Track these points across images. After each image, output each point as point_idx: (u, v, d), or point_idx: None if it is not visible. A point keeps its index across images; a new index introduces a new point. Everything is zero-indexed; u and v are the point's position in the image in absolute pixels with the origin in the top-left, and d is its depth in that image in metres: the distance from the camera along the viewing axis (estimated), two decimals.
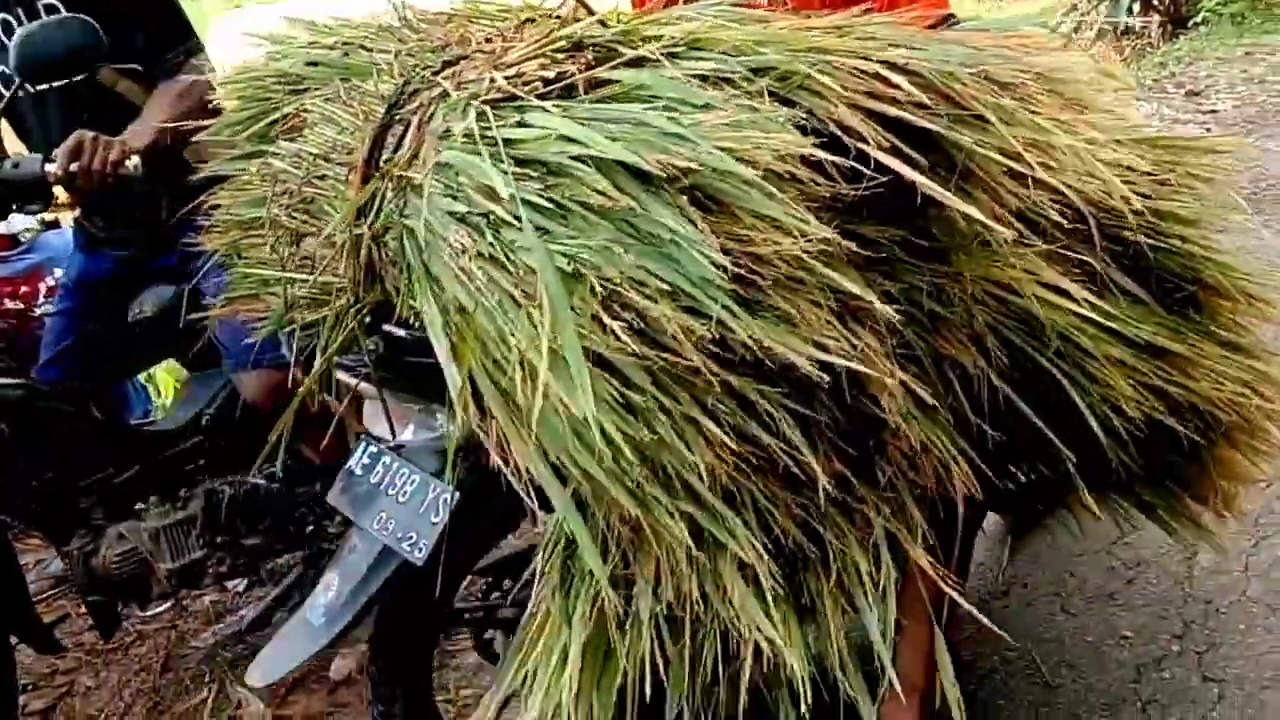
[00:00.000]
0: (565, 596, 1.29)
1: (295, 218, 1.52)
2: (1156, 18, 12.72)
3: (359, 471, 1.67)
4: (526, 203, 1.11)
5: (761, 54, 1.20)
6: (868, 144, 1.11)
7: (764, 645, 1.18)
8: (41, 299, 3.12)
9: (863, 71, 1.16)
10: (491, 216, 1.17)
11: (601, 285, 1.06)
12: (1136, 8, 12.72)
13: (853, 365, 1.07)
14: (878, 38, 1.25)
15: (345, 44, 1.62)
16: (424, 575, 1.54)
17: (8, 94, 1.94)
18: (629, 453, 1.07)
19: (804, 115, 1.13)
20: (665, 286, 1.05)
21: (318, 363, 1.51)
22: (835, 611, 1.24)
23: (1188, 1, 11.61)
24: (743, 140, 1.06)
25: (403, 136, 1.35)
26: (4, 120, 2.27)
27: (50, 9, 2.03)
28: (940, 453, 1.27)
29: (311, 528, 2.48)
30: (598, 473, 1.12)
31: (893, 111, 1.14)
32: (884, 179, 1.13)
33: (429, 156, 1.27)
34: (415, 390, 1.57)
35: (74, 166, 1.81)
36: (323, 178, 1.47)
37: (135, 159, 1.87)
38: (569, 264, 1.08)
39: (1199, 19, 10.65)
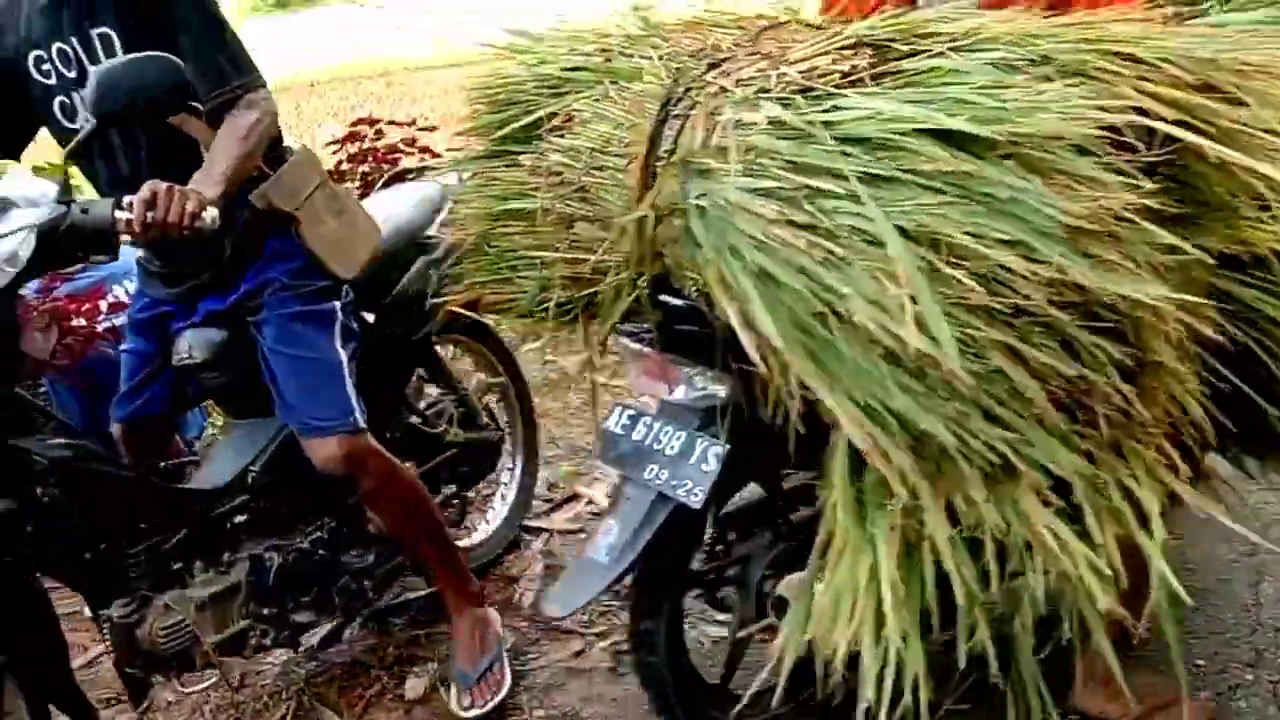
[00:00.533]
0: (861, 526, 1.46)
1: (570, 205, 1.72)
2: None
3: (619, 431, 1.89)
4: (864, 174, 1.32)
5: (1037, 45, 1.41)
6: (1157, 120, 1.32)
7: (1068, 565, 1.37)
8: (104, 314, 3.14)
9: (1135, 59, 1.37)
10: (806, 189, 1.35)
11: (934, 240, 1.26)
12: None
13: (1176, 299, 1.29)
14: (1131, 32, 1.44)
15: (604, 51, 1.82)
16: (690, 519, 1.81)
17: (81, 132, 1.81)
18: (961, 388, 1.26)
19: (1093, 96, 1.33)
20: (1004, 238, 1.24)
21: (602, 330, 1.77)
22: (1110, 536, 1.41)
23: None
24: (1062, 112, 1.27)
25: (681, 128, 1.53)
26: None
27: (104, 38, 1.96)
28: (1190, 397, 1.46)
29: (356, 597, 2.39)
30: (916, 410, 1.32)
31: (1170, 94, 1.34)
32: (1171, 148, 1.33)
33: (726, 142, 1.45)
34: (685, 353, 1.79)
35: (149, 217, 1.70)
36: (600, 168, 1.67)
37: (213, 211, 1.77)
38: (909, 223, 1.27)
39: None
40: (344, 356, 2.16)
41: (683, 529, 1.85)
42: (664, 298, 1.67)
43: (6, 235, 1.67)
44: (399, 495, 2.29)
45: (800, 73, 1.48)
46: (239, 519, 2.21)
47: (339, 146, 4.53)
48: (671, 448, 1.80)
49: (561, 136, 1.75)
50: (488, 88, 1.95)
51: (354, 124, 4.53)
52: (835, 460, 1.51)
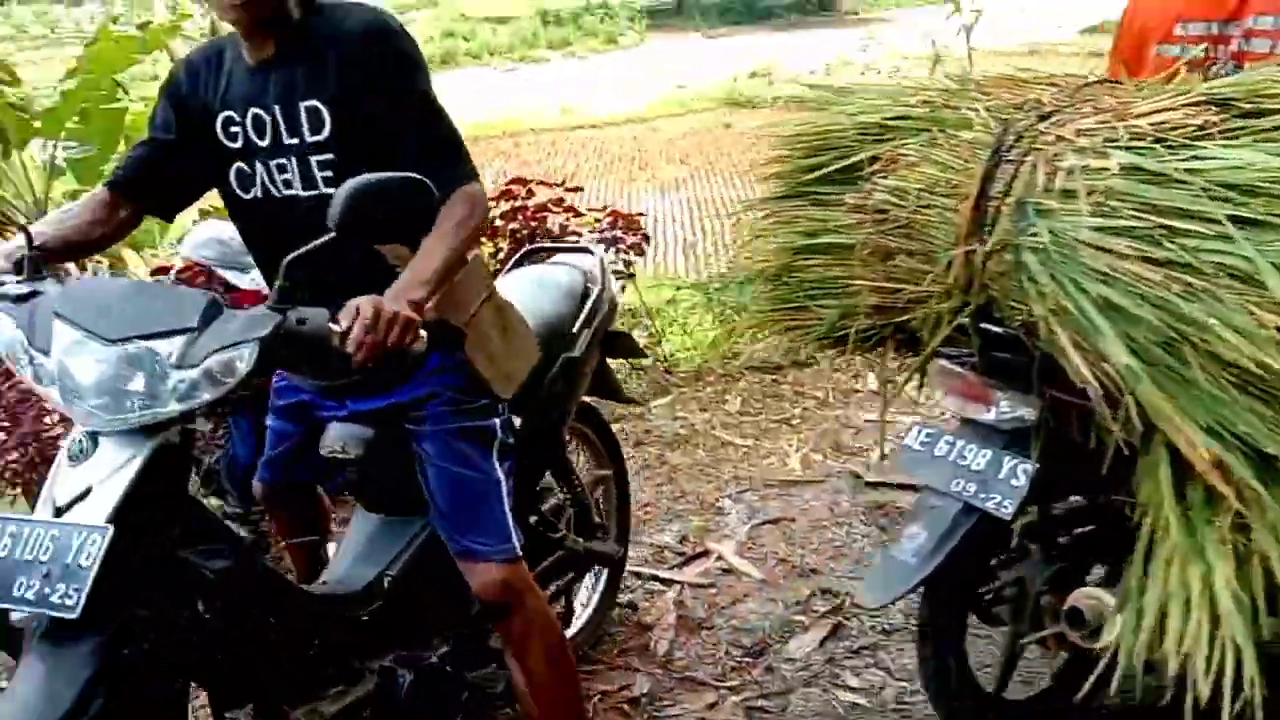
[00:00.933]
0: (1191, 537, 1.59)
1: (892, 240, 1.91)
2: None
3: (919, 448, 2.12)
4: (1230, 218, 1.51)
5: None
6: None
7: None
8: None
9: None
10: (1163, 229, 1.55)
11: None
12: None
13: None
14: None
15: (926, 102, 2.00)
16: (991, 532, 2.03)
17: (314, 242, 1.62)
18: None
19: None
20: None
21: (925, 353, 1.98)
22: None
23: None
24: None
25: (1015, 173, 1.74)
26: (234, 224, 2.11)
27: (313, 113, 1.85)
28: None
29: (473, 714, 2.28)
30: (1264, 434, 1.49)
31: None
32: None
33: (1074, 185, 1.64)
34: (1000, 377, 1.99)
35: (368, 339, 1.57)
36: (928, 207, 1.85)
37: (424, 335, 1.67)
38: None
39: None
40: (503, 475, 2.08)
41: (984, 541, 2.06)
42: (985, 326, 1.85)
43: (231, 348, 1.58)
44: (545, 647, 2.13)
45: (1151, 125, 1.65)
46: (371, 626, 2.09)
47: (493, 204, 4.43)
48: (977, 464, 1.99)
49: (885, 178, 1.93)
50: (800, 135, 2.16)
51: (509, 183, 4.53)
52: (1159, 478, 1.64)
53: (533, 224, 4.39)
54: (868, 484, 3.73)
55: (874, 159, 1.96)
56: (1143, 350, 1.53)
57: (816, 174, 2.08)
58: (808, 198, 2.13)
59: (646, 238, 4.84)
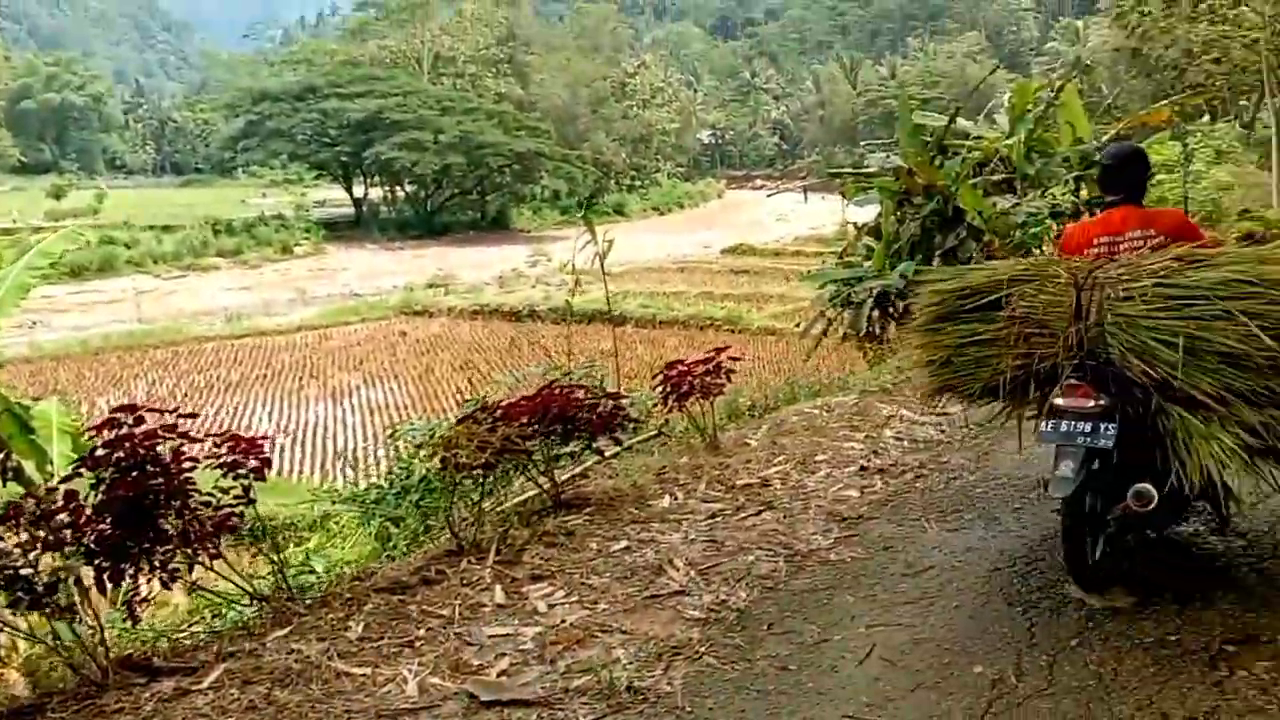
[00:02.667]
0: (1204, 434, 3.98)
1: (1028, 328, 4.31)
2: (893, 325, 14.62)
3: (1048, 429, 4.14)
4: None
5: None
6: None
7: None
8: None
9: None
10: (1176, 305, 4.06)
11: None
12: (876, 314, 14.60)
13: None
14: None
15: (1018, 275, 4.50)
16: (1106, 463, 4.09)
17: None
18: None
19: None
20: None
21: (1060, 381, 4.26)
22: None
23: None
24: None
25: (1090, 302, 4.17)
26: None
27: None
28: None
29: None
30: None
31: None
32: None
33: (1133, 291, 4.09)
34: (1095, 385, 4.12)
35: None
36: (1041, 313, 4.28)
37: None
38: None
39: None
40: None
41: (1104, 470, 4.08)
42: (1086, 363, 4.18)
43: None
44: None
45: (1145, 265, 4.19)
46: None
47: (95, 433, 4.22)
48: (1086, 428, 4.02)
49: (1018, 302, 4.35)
50: (945, 291, 4.63)
51: (113, 411, 4.23)
52: (1181, 414, 3.97)
53: (140, 452, 4.17)
54: (484, 703, 3.70)
55: (1007, 296, 4.37)
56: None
57: (961, 302, 4.54)
58: (953, 320, 4.56)
59: (268, 462, 4.69)
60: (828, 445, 6.86)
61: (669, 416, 7.32)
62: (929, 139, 15.08)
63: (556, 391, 5.95)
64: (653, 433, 7.55)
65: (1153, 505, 3.96)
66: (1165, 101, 20.66)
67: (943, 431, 7.12)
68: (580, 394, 6.17)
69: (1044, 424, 4.13)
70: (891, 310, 14.52)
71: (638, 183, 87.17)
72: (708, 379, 6.68)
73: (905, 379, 8.97)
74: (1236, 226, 18.53)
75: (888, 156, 16.11)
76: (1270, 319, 3.78)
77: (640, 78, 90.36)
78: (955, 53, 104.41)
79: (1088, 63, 55.56)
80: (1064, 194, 16.41)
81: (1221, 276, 3.94)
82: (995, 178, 15.42)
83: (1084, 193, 16.01)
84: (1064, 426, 4.03)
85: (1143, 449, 4.07)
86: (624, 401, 6.80)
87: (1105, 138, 16.77)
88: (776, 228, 58.88)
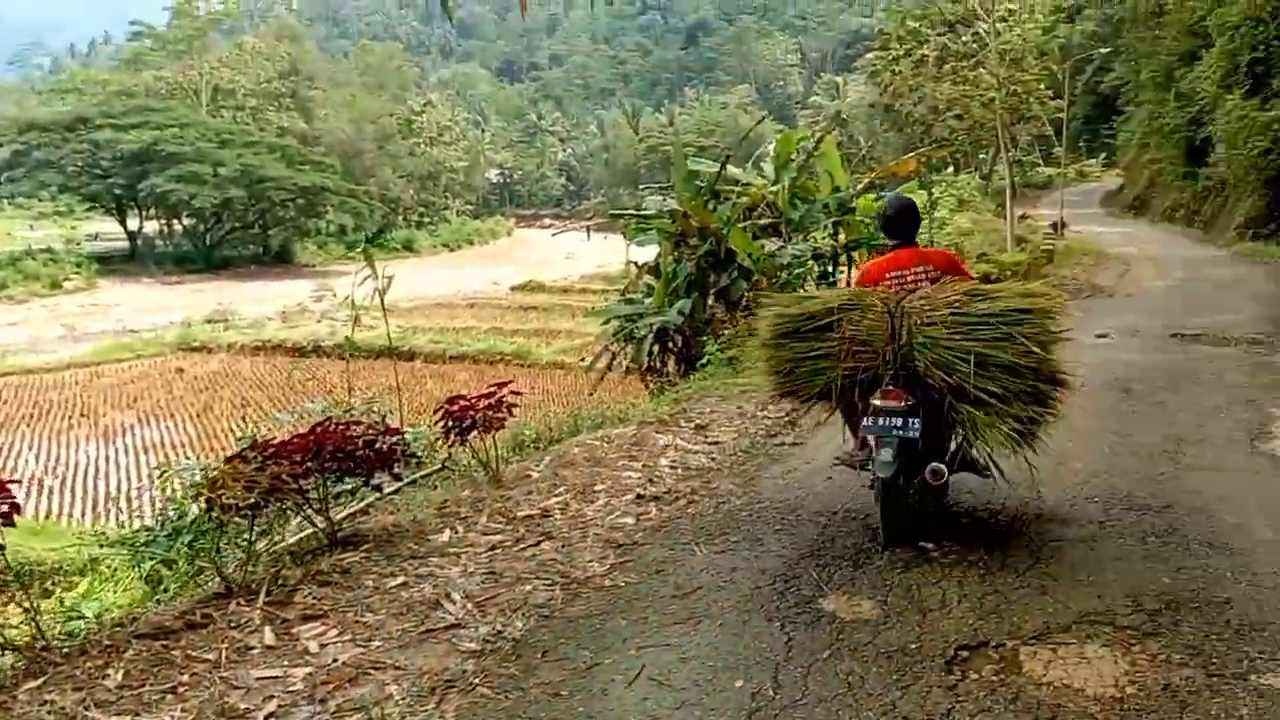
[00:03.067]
0: (987, 420, 5.20)
1: (855, 347, 5.37)
2: (673, 359, 14.99)
3: (868, 422, 5.17)
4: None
5: None
6: None
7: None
8: None
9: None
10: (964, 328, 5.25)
11: None
12: (656, 349, 14.92)
13: None
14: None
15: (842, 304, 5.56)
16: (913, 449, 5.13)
17: None
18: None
19: None
20: None
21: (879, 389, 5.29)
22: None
23: (697, 345, 13.80)
24: None
25: (903, 317, 5.26)
26: None
27: None
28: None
29: None
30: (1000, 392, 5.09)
31: None
32: None
33: (933, 317, 5.21)
34: (905, 388, 5.19)
35: None
36: (865, 334, 5.34)
37: None
38: None
39: (705, 361, 12.69)
40: None
41: (911, 455, 5.06)
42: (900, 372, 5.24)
43: None
44: None
45: (941, 298, 5.29)
46: None
47: None
48: (898, 422, 5.04)
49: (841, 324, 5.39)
50: (788, 315, 5.63)
51: None
52: (970, 408, 5.09)
53: None
54: None
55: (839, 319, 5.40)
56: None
57: (795, 325, 5.59)
58: (793, 338, 5.56)
59: (16, 506, 4.34)
60: (607, 475, 6.96)
61: (452, 451, 7.24)
62: (703, 184, 15.60)
63: (332, 428, 5.78)
64: (436, 467, 7.45)
65: (944, 480, 5.10)
66: (913, 154, 22.15)
67: (714, 460, 7.35)
68: (358, 430, 6.02)
69: (867, 420, 5.17)
70: (671, 345, 14.88)
71: (427, 219, 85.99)
72: (490, 413, 6.65)
73: (681, 410, 9.24)
74: (975, 268, 20.02)
75: (665, 200, 16.55)
76: (1033, 332, 5.07)
77: (427, 116, 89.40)
78: (728, 103, 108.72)
79: (844, 117, 58.99)
80: (824, 238, 17.34)
81: (1001, 307, 5.11)
82: (763, 222, 16.10)
83: (842, 236, 16.97)
84: (882, 421, 5.09)
85: (934, 438, 5.23)
86: (406, 436, 6.69)
87: (860, 186, 17.85)
88: (565, 265, 59.35)
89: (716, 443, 7.86)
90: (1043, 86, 42.97)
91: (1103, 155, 65.38)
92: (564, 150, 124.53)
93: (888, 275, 5.72)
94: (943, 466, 5.09)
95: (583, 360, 23.74)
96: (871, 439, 5.23)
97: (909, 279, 5.63)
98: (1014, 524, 5.68)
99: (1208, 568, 4.96)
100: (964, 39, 37.72)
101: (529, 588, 4.96)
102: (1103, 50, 49.01)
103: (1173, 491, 6.20)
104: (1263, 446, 7.34)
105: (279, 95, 79.54)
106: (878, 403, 5.14)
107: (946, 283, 5.47)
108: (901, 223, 5.93)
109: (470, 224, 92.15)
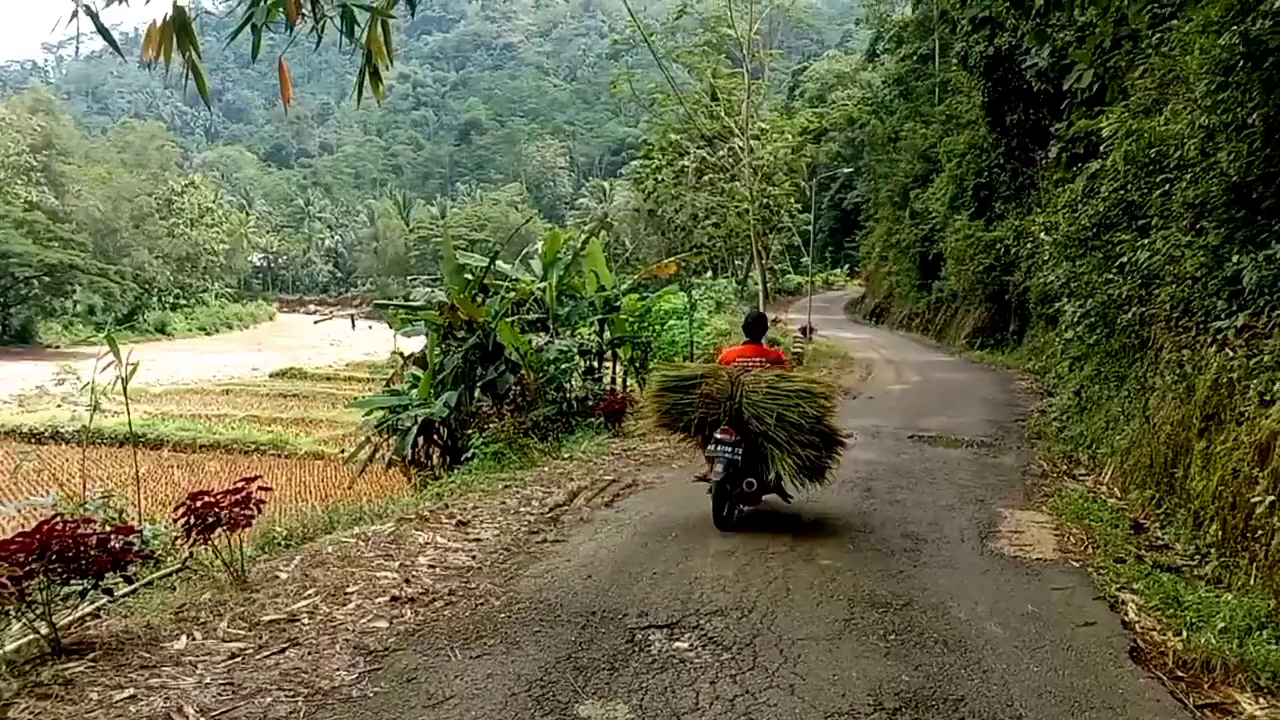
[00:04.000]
0: (785, 453, 8.09)
1: (706, 399, 8.25)
2: (437, 452, 14.61)
3: (711, 449, 8.01)
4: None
5: None
6: None
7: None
8: None
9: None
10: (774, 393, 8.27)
11: None
12: (421, 441, 14.50)
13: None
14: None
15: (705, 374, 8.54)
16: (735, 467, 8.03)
17: None
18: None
19: None
20: None
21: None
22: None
23: (462, 438, 13.51)
24: None
25: (737, 391, 8.12)
26: None
27: None
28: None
29: None
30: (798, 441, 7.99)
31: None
32: None
33: (758, 387, 8.11)
34: (733, 427, 8.05)
35: None
36: (714, 393, 8.20)
37: None
38: None
39: (470, 454, 12.43)
40: None
41: (734, 470, 7.95)
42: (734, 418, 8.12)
43: None
44: None
45: (763, 376, 8.26)
46: None
47: None
48: (728, 450, 7.88)
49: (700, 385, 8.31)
50: (670, 376, 8.69)
51: None
52: (775, 448, 7.97)
53: None
54: None
55: (699, 382, 8.32)
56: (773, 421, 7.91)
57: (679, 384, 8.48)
58: (672, 392, 8.46)
59: None
60: (361, 575, 6.57)
61: (194, 550, 6.66)
62: (472, 278, 15.52)
63: (60, 526, 5.19)
64: (176, 567, 6.83)
65: (755, 489, 8.11)
66: (674, 258, 22.95)
67: (474, 558, 7.10)
68: (91, 527, 5.43)
69: (710, 446, 8.04)
70: (436, 437, 14.52)
71: (183, 301, 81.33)
72: (237, 510, 6.16)
73: (443, 505, 8.94)
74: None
75: (433, 291, 16.34)
76: (813, 405, 7.97)
77: (188, 196, 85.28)
78: (500, 200, 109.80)
79: (610, 221, 60.70)
80: (590, 334, 17.57)
81: (795, 387, 8.03)
82: (531, 317, 16.15)
83: (607, 334, 17.25)
84: (719, 448, 7.94)
85: (751, 463, 8.03)
86: (145, 533, 6.11)
87: (624, 286, 18.27)
88: (330, 352, 57.40)
89: (478, 540, 7.62)
90: (792, 200, 45.97)
91: (847, 265, 70.22)
92: (332, 237, 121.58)
93: (736, 359, 8.71)
94: (753, 480, 8.05)
95: (343, 451, 22.78)
96: (711, 458, 8.04)
97: (749, 364, 8.52)
98: (763, 623, 5.74)
99: (944, 665, 5.17)
100: (721, 153, 39.81)
101: (269, 699, 4.55)
102: (846, 170, 53.06)
103: (911, 589, 6.48)
104: (991, 545, 7.83)
105: (29, 169, 73.68)
106: (717, 435, 7.98)
107: (768, 368, 8.46)
108: (752, 328, 9.11)
109: (230, 307, 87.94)
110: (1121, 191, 10.64)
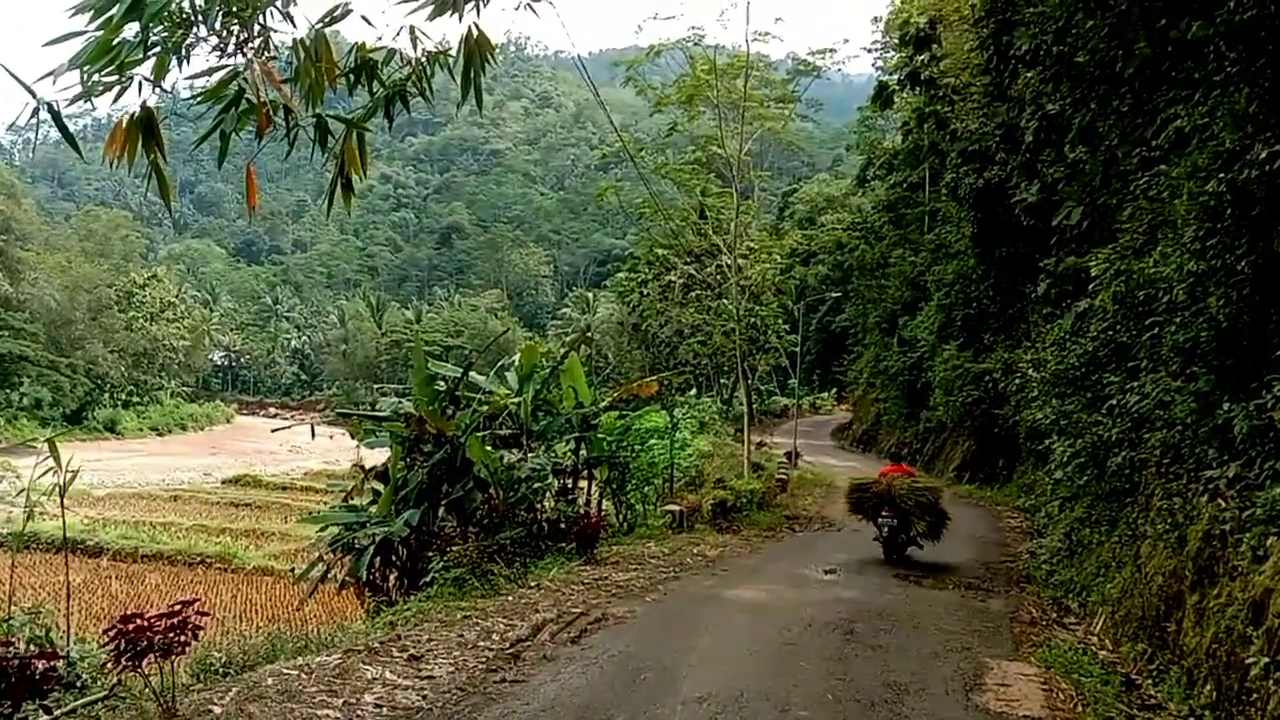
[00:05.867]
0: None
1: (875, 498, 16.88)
2: (395, 574, 14.38)
3: (882, 520, 16.40)
4: None
5: None
6: None
7: None
8: None
9: None
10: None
11: None
12: (378, 562, 14.29)
13: None
14: None
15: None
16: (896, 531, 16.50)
17: None
18: None
19: None
20: None
21: None
22: None
23: (423, 560, 13.33)
24: None
25: (890, 491, 16.42)
26: None
27: None
28: None
29: None
30: None
31: None
32: None
33: (900, 492, 16.37)
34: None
35: None
36: (881, 496, 16.60)
37: None
38: None
39: (429, 579, 12.24)
40: None
41: (893, 531, 16.15)
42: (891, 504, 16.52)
43: None
44: None
45: (904, 481, 16.85)
46: None
47: None
48: (889, 520, 16.07)
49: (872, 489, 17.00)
50: (855, 484, 17.52)
51: None
52: (914, 519, 16.28)
53: None
54: None
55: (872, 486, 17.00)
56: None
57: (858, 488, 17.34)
58: (855, 492, 17.29)
59: None
60: (301, 713, 6.42)
61: (123, 677, 6.50)
62: (443, 389, 15.54)
63: None
64: (102, 694, 6.66)
65: (905, 542, 15.88)
66: (656, 376, 23.10)
67: (425, 698, 6.95)
68: (13, 649, 5.33)
69: (879, 520, 15.93)
70: (394, 558, 14.31)
71: (136, 399, 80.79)
72: (171, 635, 6.05)
73: (395, 636, 8.78)
74: (713, 493, 20.82)
75: (401, 401, 16.34)
76: (932, 494, 16.09)
77: (150, 289, 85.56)
78: (479, 306, 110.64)
79: (591, 335, 61.24)
80: (566, 452, 17.54)
81: (921, 485, 16.36)
82: (504, 432, 16.13)
83: (584, 452, 17.24)
84: (884, 520, 15.91)
85: (903, 528, 15.79)
86: (71, 655, 5.97)
87: (604, 403, 18.34)
88: (289, 459, 56.89)
89: (430, 677, 7.47)
90: (780, 321, 46.55)
91: (834, 390, 70.72)
92: (300, 337, 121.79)
93: (889, 472, 16.88)
94: (905, 538, 15.65)
95: (293, 570, 22.39)
96: (880, 525, 15.79)
97: (895, 476, 16.46)
98: None
99: None
100: (708, 270, 40.49)
101: None
102: (834, 293, 53.95)
103: None
104: (976, 699, 7.74)
105: None
106: (883, 515, 15.73)
107: (904, 476, 16.38)
108: (898, 464, 20.57)
109: (185, 407, 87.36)
110: (1110, 332, 10.89)
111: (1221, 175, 8.11)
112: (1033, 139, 14.23)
